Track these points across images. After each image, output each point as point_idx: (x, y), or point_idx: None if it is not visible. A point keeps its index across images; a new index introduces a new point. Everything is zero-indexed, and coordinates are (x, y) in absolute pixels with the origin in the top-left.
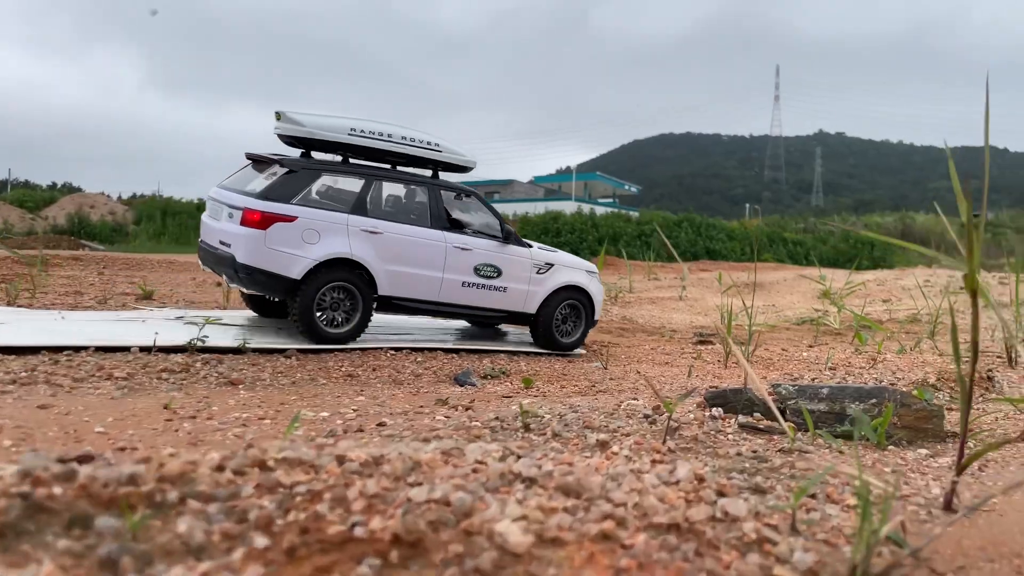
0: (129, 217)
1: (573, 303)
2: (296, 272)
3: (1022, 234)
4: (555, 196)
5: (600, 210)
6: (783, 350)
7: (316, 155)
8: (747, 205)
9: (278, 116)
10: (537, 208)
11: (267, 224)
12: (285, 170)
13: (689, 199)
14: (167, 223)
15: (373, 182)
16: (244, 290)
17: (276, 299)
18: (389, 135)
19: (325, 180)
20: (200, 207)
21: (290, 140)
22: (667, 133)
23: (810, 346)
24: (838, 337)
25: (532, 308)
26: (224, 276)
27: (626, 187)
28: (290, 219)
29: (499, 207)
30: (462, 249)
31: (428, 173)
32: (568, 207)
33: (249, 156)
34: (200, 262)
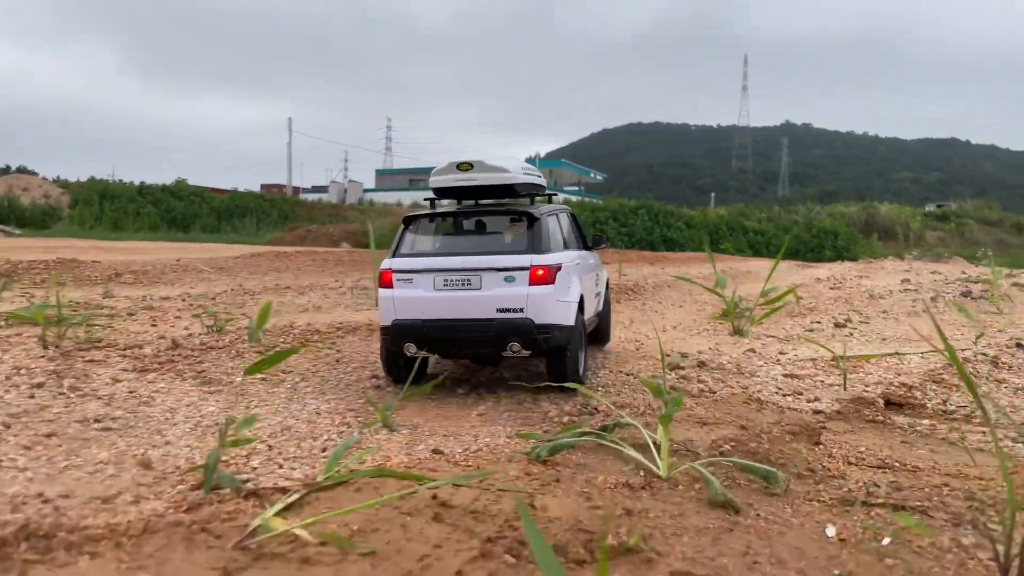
0: (65, 200)
1: None
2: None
3: (984, 224)
4: None
5: (564, 198)
6: None
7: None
8: (712, 194)
9: (468, 166)
10: None
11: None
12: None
13: (657, 188)
14: (105, 207)
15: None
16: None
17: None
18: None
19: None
20: (146, 191)
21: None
22: (636, 122)
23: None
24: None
25: None
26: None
27: (592, 175)
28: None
29: None
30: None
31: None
32: None
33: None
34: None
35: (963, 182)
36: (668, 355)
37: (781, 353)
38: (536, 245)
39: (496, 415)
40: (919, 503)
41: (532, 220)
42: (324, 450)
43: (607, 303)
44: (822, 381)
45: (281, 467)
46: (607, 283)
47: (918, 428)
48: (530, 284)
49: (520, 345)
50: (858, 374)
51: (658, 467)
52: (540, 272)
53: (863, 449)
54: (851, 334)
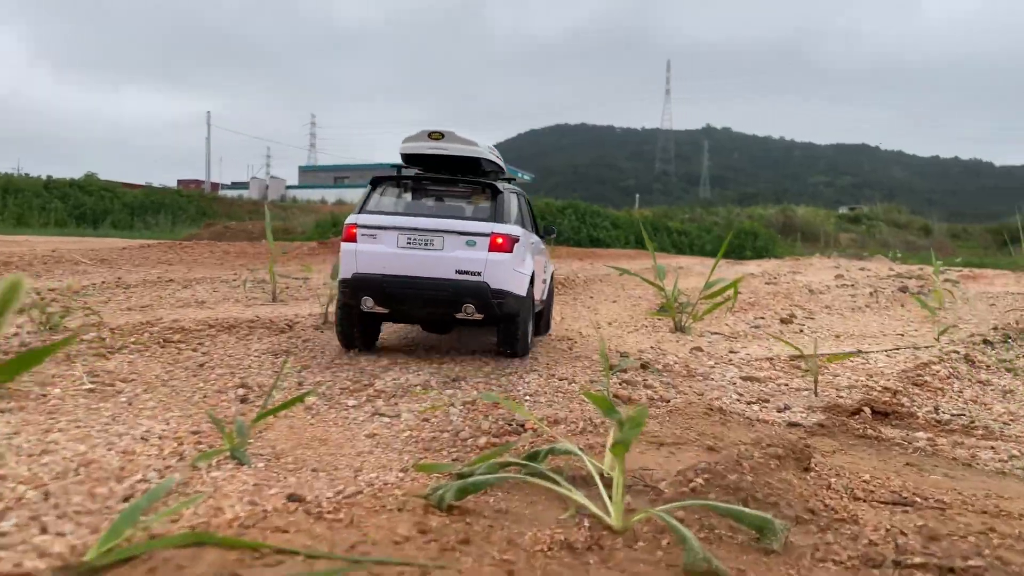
0: None
1: None
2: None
3: (894, 226)
4: None
5: None
6: None
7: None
8: (637, 195)
9: (439, 135)
10: None
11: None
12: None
13: (584, 188)
14: (8, 201)
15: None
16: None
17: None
18: None
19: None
20: (53, 185)
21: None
22: (563, 123)
23: None
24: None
25: None
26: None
27: (519, 175)
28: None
29: None
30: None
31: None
32: None
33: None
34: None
35: (873, 186)
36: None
37: (732, 352)
38: (498, 215)
39: (392, 436)
40: (971, 563)
41: (495, 192)
42: (128, 498)
43: (551, 293)
44: (786, 385)
45: (45, 531)
46: (552, 274)
47: (916, 443)
48: (489, 250)
49: (474, 308)
50: (824, 376)
51: (609, 514)
52: (499, 240)
53: (866, 477)
54: (801, 331)
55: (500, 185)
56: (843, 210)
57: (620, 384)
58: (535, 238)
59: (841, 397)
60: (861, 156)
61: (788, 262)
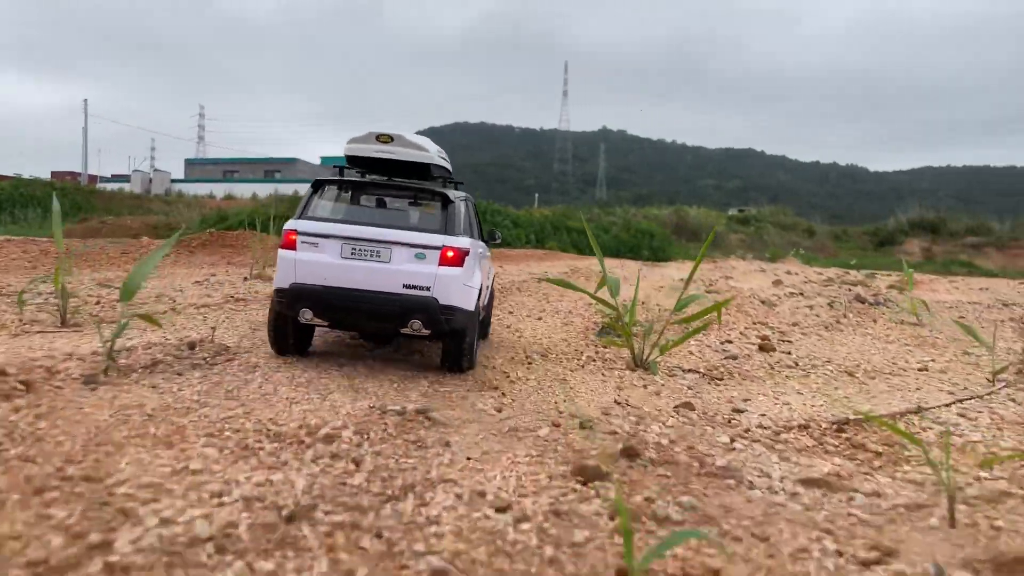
0: None
1: None
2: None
3: (780, 228)
4: None
5: None
6: None
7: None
8: (536, 195)
9: (388, 138)
10: None
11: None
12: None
13: (483, 187)
14: None
15: None
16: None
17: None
18: None
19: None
20: None
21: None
22: (463, 122)
23: None
24: None
25: None
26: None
27: None
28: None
29: (280, 187)
30: None
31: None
32: None
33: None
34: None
35: (759, 189)
36: (557, 424)
37: (736, 411)
38: (449, 226)
39: None
40: None
41: (446, 202)
42: None
43: (491, 297)
44: (878, 496)
45: None
46: (493, 278)
47: None
48: (439, 264)
49: (422, 323)
50: (909, 465)
51: None
52: (450, 254)
53: None
54: (795, 365)
55: (451, 193)
56: (732, 212)
57: (605, 506)
58: (482, 246)
59: (997, 526)
60: (747, 160)
61: (709, 264)
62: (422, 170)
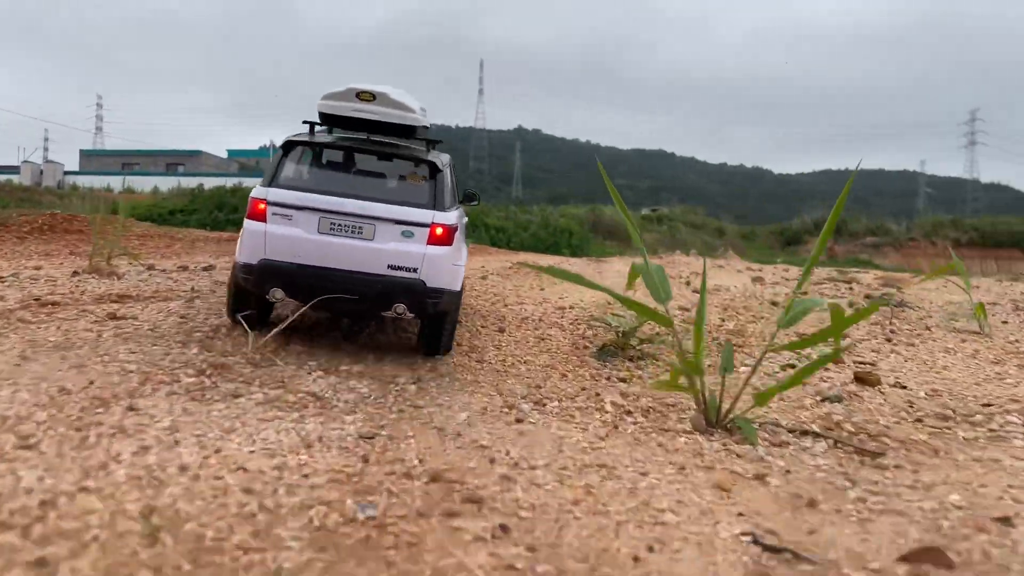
0: None
1: None
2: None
3: (692, 227)
4: (253, 172)
5: None
6: None
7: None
8: None
9: (370, 96)
10: (229, 184)
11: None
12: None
13: None
14: None
15: None
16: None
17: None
18: None
19: None
20: None
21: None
22: None
23: None
24: None
25: None
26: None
27: None
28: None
29: (183, 181)
30: None
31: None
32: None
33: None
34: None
35: (671, 190)
36: None
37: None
38: (438, 200)
39: None
40: None
41: (435, 170)
42: None
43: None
44: None
45: None
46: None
47: None
48: (428, 243)
49: (407, 307)
50: None
51: None
52: (440, 231)
53: None
54: (952, 414)
55: (439, 160)
56: (645, 211)
57: None
58: (463, 214)
59: None
60: (659, 161)
61: (660, 259)
62: (405, 129)
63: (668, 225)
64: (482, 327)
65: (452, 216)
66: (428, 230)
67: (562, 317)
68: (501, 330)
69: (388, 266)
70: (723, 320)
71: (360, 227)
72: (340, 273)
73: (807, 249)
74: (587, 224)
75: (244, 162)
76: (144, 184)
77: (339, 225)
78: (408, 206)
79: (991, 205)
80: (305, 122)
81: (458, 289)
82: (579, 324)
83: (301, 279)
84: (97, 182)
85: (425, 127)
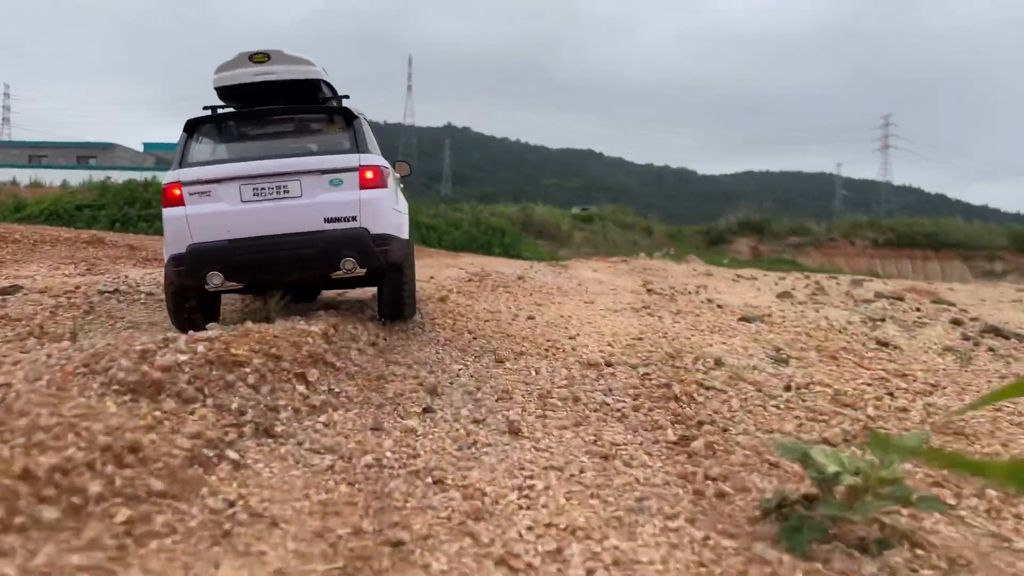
0: None
1: None
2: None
3: (621, 227)
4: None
5: None
6: None
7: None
8: None
9: (264, 57)
10: (144, 177)
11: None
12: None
13: None
14: None
15: None
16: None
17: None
18: None
19: None
20: None
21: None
22: None
23: None
24: None
25: None
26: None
27: None
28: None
29: (95, 174)
30: None
31: None
32: None
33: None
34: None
35: (600, 189)
36: None
37: None
38: (361, 145)
39: None
40: None
41: (350, 117)
42: None
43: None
44: None
45: None
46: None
47: None
48: (361, 187)
49: (355, 261)
50: None
51: None
52: (370, 175)
53: None
54: None
55: (353, 108)
56: (575, 210)
57: None
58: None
59: None
60: (588, 161)
61: (641, 262)
62: (310, 91)
63: (599, 224)
64: (478, 422)
65: (379, 159)
66: (357, 174)
67: (606, 384)
68: (515, 432)
69: (325, 219)
70: (883, 395)
71: (285, 186)
72: (276, 239)
73: (732, 248)
74: (518, 223)
75: (162, 155)
76: (53, 177)
77: (263, 188)
78: (330, 154)
79: (903, 206)
80: (206, 107)
81: (405, 237)
82: (644, 398)
83: (238, 254)
84: (2, 175)
85: (328, 83)
